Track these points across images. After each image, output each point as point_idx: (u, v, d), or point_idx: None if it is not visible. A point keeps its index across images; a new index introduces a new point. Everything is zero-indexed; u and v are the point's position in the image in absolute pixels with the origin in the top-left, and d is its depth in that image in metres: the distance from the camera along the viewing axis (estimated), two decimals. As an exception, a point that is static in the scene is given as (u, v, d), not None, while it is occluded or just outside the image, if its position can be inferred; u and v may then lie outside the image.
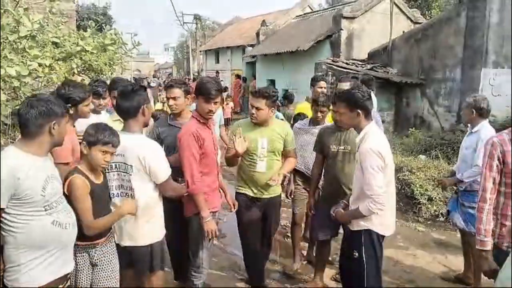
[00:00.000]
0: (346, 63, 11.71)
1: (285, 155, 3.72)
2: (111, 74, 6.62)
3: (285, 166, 3.68)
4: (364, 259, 2.91)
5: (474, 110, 3.80)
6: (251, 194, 3.63)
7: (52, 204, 2.17)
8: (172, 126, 3.50)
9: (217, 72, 22.19)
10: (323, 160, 3.83)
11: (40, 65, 4.62)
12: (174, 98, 3.48)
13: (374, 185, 2.73)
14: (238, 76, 20.07)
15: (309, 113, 4.61)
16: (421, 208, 5.95)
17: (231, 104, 14.38)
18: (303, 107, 5.42)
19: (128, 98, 2.73)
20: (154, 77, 23.59)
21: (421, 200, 5.94)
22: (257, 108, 3.41)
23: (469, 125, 3.99)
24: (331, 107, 3.89)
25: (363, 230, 2.92)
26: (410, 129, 9.09)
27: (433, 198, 5.93)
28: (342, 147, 3.63)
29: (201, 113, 3.17)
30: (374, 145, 2.78)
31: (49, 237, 2.16)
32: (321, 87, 5.03)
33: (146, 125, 2.97)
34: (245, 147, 3.41)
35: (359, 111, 2.85)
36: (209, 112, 3.14)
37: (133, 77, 23.94)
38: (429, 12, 19.59)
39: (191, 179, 3.03)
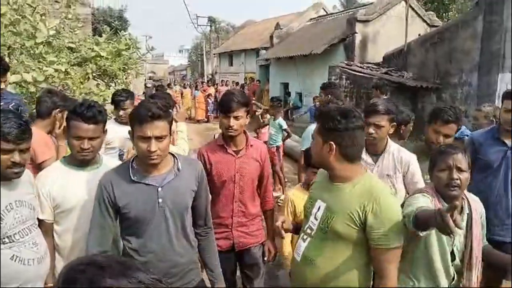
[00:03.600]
0: (361, 67, 11.63)
1: (374, 263, 1.87)
2: (125, 79, 6.70)
3: None
4: None
5: (494, 119, 3.72)
6: None
7: (14, 236, 1.88)
8: (139, 184, 1.98)
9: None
10: None
11: (56, 70, 4.70)
12: (159, 138, 1.90)
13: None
14: (252, 79, 20.00)
15: None
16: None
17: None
18: None
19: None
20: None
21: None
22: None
23: None
24: None
25: None
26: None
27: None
28: None
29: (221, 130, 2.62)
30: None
31: (7, 274, 1.84)
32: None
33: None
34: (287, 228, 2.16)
35: (395, 124, 2.71)
36: (229, 128, 2.54)
37: (149, 78, 24.28)
38: (446, 14, 19.36)
39: None
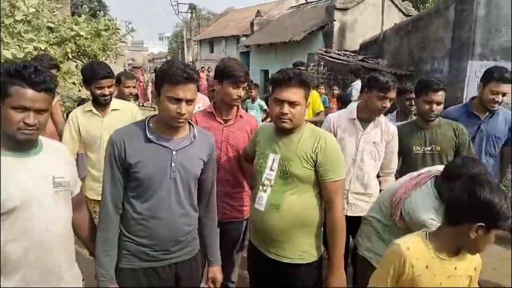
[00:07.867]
0: (338, 54, 11.87)
1: (323, 197, 2.14)
2: (105, 59, 6.74)
3: (332, 244, 2.11)
4: None
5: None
6: (257, 246, 2.29)
7: None
8: (154, 145, 1.90)
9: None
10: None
11: (35, 48, 4.75)
12: (189, 101, 1.86)
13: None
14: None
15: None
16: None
17: None
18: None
19: None
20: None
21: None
22: (292, 103, 2.08)
23: None
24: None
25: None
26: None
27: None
28: (428, 148, 3.03)
29: (224, 99, 2.63)
30: None
31: None
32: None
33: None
34: None
35: None
36: (237, 99, 2.61)
37: (128, 65, 24.03)
38: (423, 5, 19.72)
39: None
